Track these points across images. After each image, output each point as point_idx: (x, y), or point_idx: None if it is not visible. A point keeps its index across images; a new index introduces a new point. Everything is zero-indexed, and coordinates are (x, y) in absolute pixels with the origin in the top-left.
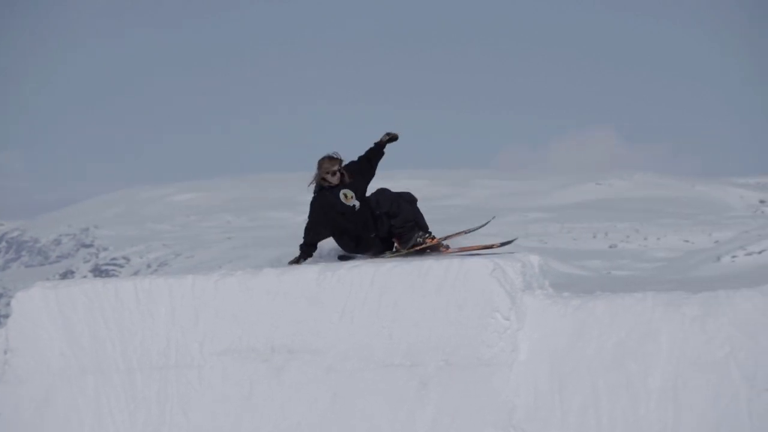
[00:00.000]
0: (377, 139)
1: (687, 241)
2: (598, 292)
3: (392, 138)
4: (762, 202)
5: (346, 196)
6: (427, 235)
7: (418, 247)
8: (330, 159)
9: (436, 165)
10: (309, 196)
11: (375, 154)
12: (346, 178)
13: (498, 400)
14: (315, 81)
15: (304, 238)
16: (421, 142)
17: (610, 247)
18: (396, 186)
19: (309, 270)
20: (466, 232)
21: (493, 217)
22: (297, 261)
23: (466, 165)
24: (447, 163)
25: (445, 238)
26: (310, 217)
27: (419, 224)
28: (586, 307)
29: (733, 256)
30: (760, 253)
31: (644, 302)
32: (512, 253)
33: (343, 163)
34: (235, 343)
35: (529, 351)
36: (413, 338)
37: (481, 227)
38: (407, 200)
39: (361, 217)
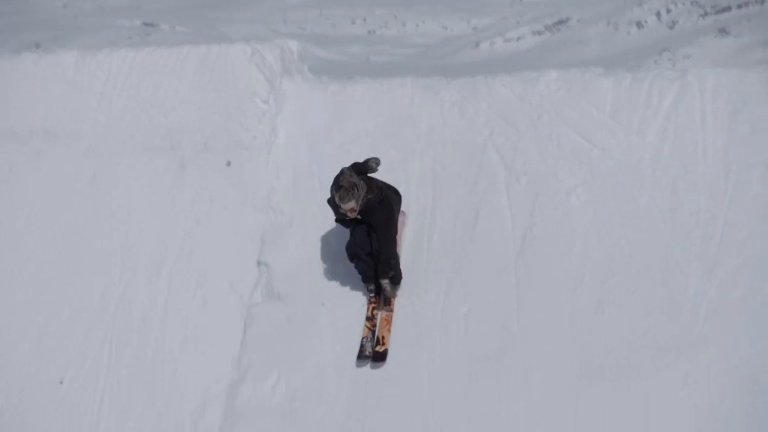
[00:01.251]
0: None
1: (445, 27)
2: (358, 77)
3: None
4: None
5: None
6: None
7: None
8: (345, 198)
9: None
10: None
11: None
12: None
13: (256, 182)
14: None
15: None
16: None
17: (369, 32)
18: None
19: (67, 54)
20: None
21: None
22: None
23: None
24: None
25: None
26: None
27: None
28: (344, 91)
29: (492, 43)
30: (518, 40)
31: (404, 87)
32: (270, 39)
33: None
34: None
35: (288, 134)
36: (172, 122)
37: None
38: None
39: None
